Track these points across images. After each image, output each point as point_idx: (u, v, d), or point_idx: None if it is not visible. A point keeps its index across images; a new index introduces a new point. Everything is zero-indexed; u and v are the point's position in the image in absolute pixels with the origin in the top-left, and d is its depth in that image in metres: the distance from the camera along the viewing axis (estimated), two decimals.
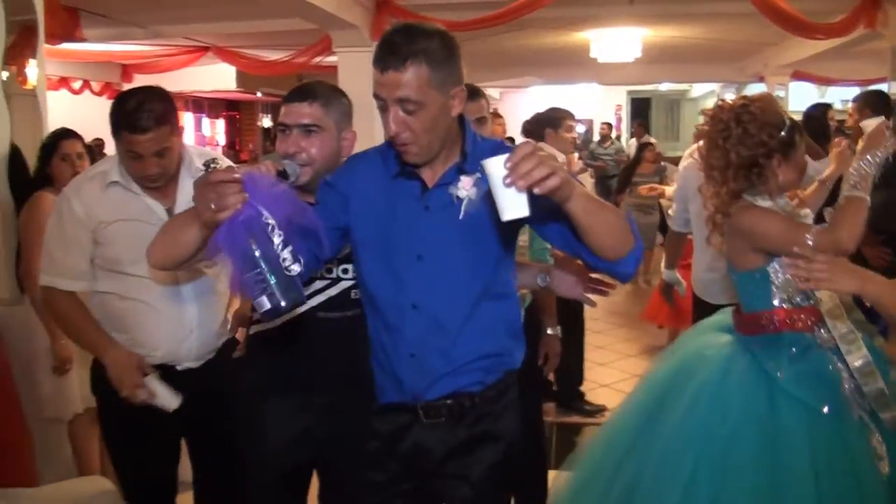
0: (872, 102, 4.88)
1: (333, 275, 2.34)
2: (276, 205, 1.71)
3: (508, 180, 1.61)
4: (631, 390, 2.92)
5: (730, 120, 2.54)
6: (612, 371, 6.19)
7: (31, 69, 4.44)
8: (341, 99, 2.37)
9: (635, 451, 2.55)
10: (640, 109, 19.47)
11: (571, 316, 5.33)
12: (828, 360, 2.45)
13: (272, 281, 1.68)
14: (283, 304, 1.71)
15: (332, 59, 9.07)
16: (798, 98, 13.20)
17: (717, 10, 8.83)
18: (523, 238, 3.43)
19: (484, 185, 1.86)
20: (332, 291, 2.34)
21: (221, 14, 8.97)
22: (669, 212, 4.51)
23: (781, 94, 12.73)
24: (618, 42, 10.98)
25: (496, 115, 6.90)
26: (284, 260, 1.70)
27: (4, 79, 4.17)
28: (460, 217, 1.99)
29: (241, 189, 1.68)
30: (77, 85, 12.46)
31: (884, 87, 12.42)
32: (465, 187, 2.00)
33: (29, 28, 4.38)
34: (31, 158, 3.95)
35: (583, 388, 5.60)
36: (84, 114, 11.44)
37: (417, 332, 2.05)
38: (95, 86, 13.06)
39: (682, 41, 11.55)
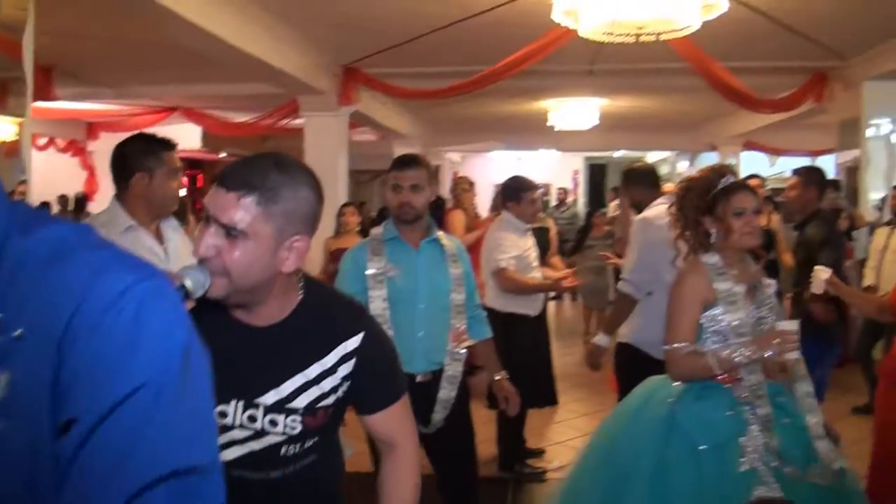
0: (816, 180, 5.08)
1: (258, 425, 1.74)
2: None
3: None
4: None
5: (678, 192, 3.06)
6: (566, 429, 6.34)
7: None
8: (298, 190, 1.63)
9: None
10: (597, 175, 19.89)
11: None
12: (733, 408, 2.71)
13: None
14: None
15: (297, 121, 9.23)
16: (749, 167, 13.60)
17: (672, 84, 9.16)
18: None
19: None
20: (255, 445, 1.76)
21: (191, 77, 9.14)
22: (625, 275, 4.28)
23: (733, 161, 13.11)
24: (576, 111, 11.29)
25: (468, 182, 7.50)
26: None
27: None
28: None
29: None
30: (42, 142, 12.50)
31: (831, 158, 12.93)
32: None
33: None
34: None
35: (540, 446, 5.74)
36: (48, 170, 11.56)
37: None
38: (60, 143, 13.16)
39: (638, 111, 11.92)
